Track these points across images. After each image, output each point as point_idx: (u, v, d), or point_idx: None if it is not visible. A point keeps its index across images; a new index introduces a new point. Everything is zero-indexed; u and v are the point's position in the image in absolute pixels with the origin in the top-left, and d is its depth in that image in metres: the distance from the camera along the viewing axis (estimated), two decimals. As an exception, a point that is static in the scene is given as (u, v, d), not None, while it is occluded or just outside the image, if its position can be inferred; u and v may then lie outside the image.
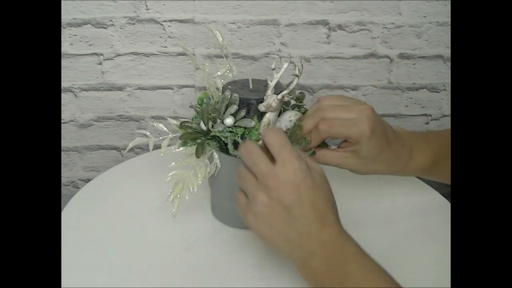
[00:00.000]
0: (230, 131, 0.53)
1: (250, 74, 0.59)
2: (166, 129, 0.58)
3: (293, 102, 0.59)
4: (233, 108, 0.53)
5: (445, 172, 0.57)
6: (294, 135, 0.53)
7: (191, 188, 0.54)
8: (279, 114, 0.55)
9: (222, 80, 0.59)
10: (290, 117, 0.55)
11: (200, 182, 0.55)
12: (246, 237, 0.58)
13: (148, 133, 0.58)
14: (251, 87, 0.57)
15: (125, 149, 0.91)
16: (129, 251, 0.56)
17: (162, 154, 0.56)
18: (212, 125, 0.53)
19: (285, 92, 0.52)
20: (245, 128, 0.53)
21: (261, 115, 0.54)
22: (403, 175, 0.58)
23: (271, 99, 0.52)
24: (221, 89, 0.58)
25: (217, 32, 0.61)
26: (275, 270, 0.53)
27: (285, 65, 0.53)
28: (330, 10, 0.82)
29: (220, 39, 0.61)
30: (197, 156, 0.54)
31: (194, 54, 0.82)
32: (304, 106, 0.60)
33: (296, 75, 0.53)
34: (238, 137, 0.53)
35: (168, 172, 0.55)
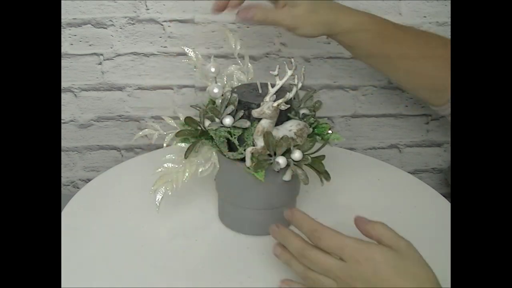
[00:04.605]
0: (228, 132, 0.52)
1: (258, 79, 0.58)
2: (174, 124, 0.57)
3: (304, 110, 0.56)
4: (230, 109, 0.52)
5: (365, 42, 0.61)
6: (271, 143, 0.50)
7: (174, 185, 0.53)
8: (283, 122, 0.53)
9: (237, 82, 0.59)
10: (291, 126, 0.52)
11: (185, 180, 0.54)
12: (245, 239, 0.58)
13: (156, 125, 0.58)
14: (260, 91, 0.55)
15: (125, 149, 0.92)
16: (129, 251, 0.56)
17: (165, 145, 0.56)
18: (209, 124, 0.53)
19: (280, 100, 0.50)
20: (243, 129, 0.53)
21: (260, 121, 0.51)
22: (330, 35, 0.60)
23: (266, 106, 0.50)
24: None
25: (231, 35, 0.61)
26: (270, 271, 0.53)
27: (289, 72, 0.51)
28: (330, 10, 0.82)
29: (233, 44, 0.60)
30: (185, 156, 0.53)
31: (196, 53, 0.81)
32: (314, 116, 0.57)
33: (295, 85, 0.52)
34: (235, 138, 0.53)
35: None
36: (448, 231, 0.48)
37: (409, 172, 0.75)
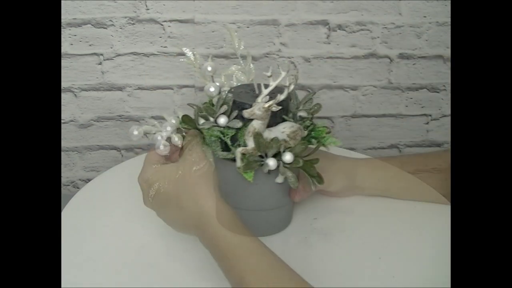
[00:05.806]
0: (221, 131, 0.52)
1: (257, 79, 0.58)
2: (173, 121, 0.57)
3: (302, 113, 0.55)
4: (223, 108, 0.51)
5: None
6: (261, 145, 0.50)
7: (166, 182, 0.53)
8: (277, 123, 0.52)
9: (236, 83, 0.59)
10: (284, 128, 0.51)
11: (177, 177, 0.53)
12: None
13: (156, 122, 0.58)
14: (257, 92, 0.54)
15: (125, 149, 0.92)
16: (129, 251, 0.56)
17: (162, 144, 0.56)
18: (202, 123, 0.53)
19: (271, 102, 0.49)
20: (237, 129, 0.52)
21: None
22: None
23: (256, 107, 0.49)
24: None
25: (235, 34, 0.60)
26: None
27: (283, 74, 0.51)
28: (330, 10, 0.82)
29: (236, 43, 0.60)
30: (179, 154, 0.53)
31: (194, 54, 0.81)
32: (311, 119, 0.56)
33: (286, 86, 0.51)
34: (227, 138, 0.52)
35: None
36: (448, 231, 0.48)
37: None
